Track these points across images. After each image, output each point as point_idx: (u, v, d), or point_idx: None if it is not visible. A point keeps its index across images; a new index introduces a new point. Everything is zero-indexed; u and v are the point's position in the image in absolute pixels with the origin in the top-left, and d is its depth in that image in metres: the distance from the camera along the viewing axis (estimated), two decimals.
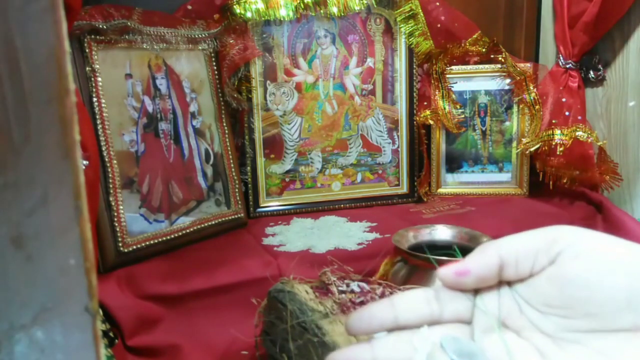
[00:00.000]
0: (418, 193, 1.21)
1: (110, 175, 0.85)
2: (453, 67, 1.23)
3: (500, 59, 1.22)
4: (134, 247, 0.86)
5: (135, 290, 0.79)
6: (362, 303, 0.57)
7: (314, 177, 1.17)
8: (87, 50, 0.85)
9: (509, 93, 1.23)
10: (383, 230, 1.00)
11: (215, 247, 0.95)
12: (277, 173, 1.15)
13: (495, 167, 1.25)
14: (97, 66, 0.86)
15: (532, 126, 1.20)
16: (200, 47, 1.02)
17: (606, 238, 0.34)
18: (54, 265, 0.23)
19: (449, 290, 0.38)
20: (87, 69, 0.85)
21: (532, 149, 1.16)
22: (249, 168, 1.12)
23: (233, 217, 1.03)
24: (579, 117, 1.17)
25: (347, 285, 0.61)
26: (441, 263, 0.67)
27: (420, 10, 1.17)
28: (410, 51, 1.18)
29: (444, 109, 1.21)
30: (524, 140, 1.19)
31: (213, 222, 0.99)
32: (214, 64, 1.05)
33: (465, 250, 0.73)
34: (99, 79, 0.86)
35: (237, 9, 1.04)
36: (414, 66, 1.19)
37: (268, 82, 1.12)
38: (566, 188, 1.17)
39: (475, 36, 1.23)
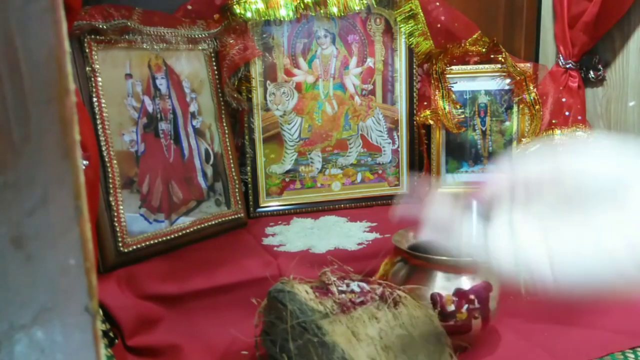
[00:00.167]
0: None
1: (110, 175, 0.85)
2: (453, 67, 1.23)
3: (500, 59, 1.22)
4: (134, 247, 0.86)
5: (135, 290, 0.79)
6: (362, 303, 0.57)
7: (314, 177, 1.17)
8: (87, 50, 0.85)
9: (509, 93, 1.23)
10: (383, 230, 1.00)
11: (215, 247, 0.95)
12: (277, 173, 1.15)
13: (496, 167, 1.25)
14: (97, 66, 0.86)
15: (532, 126, 1.20)
16: (200, 47, 1.02)
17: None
18: (54, 265, 0.23)
19: None
20: (87, 69, 0.85)
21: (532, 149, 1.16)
22: (249, 168, 1.12)
23: (233, 217, 1.03)
24: (579, 117, 1.17)
25: (347, 285, 0.61)
26: (441, 263, 0.67)
27: (420, 10, 1.17)
28: (410, 51, 1.18)
29: (444, 109, 1.21)
30: (524, 140, 1.19)
31: (213, 222, 0.99)
32: (214, 64, 1.05)
33: None
34: (99, 79, 0.86)
35: (237, 9, 1.04)
36: (414, 66, 1.19)
37: (268, 82, 1.12)
38: None
39: (475, 36, 1.23)
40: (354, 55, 1.17)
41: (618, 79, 1.20)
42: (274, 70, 1.12)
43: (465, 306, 0.66)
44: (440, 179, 1.26)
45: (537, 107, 1.20)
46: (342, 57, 1.16)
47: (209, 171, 1.02)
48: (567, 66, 1.21)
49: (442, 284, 0.67)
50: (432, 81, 1.22)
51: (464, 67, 1.24)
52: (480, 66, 1.24)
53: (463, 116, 1.23)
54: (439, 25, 1.21)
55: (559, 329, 0.78)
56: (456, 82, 1.23)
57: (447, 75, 1.22)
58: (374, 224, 1.04)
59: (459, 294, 0.66)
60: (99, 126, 0.85)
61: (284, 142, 1.14)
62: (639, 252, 0.39)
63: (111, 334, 0.73)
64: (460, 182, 1.26)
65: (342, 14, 1.12)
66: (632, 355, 0.71)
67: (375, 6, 1.15)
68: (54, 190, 0.23)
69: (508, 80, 1.23)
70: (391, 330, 0.54)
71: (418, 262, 0.69)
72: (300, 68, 1.14)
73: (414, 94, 1.20)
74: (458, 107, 1.22)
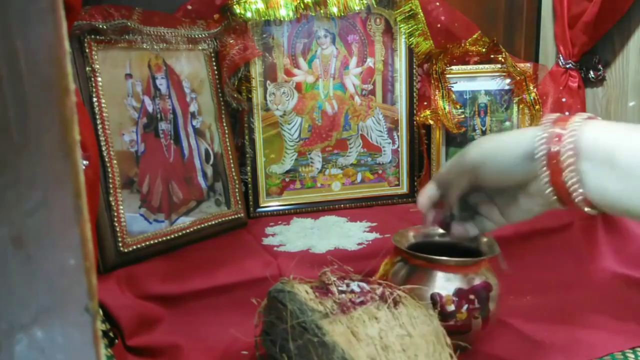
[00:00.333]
0: (418, 193, 1.21)
1: (110, 175, 0.85)
2: (453, 67, 1.23)
3: (500, 59, 1.22)
4: (134, 247, 0.86)
5: (135, 290, 0.79)
6: (362, 303, 0.57)
7: (314, 177, 1.17)
8: (87, 50, 0.85)
9: (509, 93, 1.23)
10: (383, 230, 1.00)
11: (215, 247, 0.95)
12: (277, 173, 1.15)
13: None
14: (97, 66, 0.86)
15: (532, 126, 1.20)
16: (200, 47, 1.02)
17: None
18: (54, 265, 0.23)
19: None
20: (87, 69, 0.85)
21: None
22: (249, 168, 1.12)
23: (233, 217, 1.03)
24: None
25: (347, 285, 0.61)
26: (441, 263, 0.67)
27: (420, 10, 1.17)
28: (410, 51, 1.18)
29: (444, 109, 1.21)
30: None
31: (213, 222, 0.99)
32: (214, 64, 1.05)
33: (465, 250, 0.72)
34: (99, 79, 0.86)
35: (237, 9, 1.04)
36: (414, 66, 1.19)
37: (268, 82, 1.12)
38: None
39: (475, 36, 1.23)
40: (354, 55, 1.17)
41: (618, 79, 1.20)
42: (274, 70, 1.12)
43: (465, 306, 0.66)
44: None
45: (537, 107, 1.20)
46: (342, 57, 1.16)
47: (209, 171, 1.02)
48: (567, 66, 1.21)
49: (442, 284, 0.67)
50: (432, 81, 1.22)
51: (464, 67, 1.24)
52: (480, 66, 1.24)
53: (463, 116, 1.23)
54: (439, 25, 1.21)
55: (559, 329, 0.78)
56: (456, 82, 1.23)
57: (447, 75, 1.22)
58: (374, 224, 1.04)
59: (459, 294, 0.66)
60: (99, 126, 0.85)
61: (284, 142, 1.14)
62: None
63: (111, 334, 0.73)
64: None
65: (342, 14, 1.12)
66: (632, 355, 0.71)
67: (375, 6, 1.15)
68: (54, 190, 0.23)
69: (508, 80, 1.23)
70: (391, 330, 0.54)
71: (418, 262, 0.69)
72: (300, 68, 1.14)
73: (414, 94, 1.20)
74: (458, 107, 1.22)
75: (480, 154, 0.62)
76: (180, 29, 0.98)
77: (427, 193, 0.70)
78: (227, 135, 1.05)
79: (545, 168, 0.56)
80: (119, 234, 0.85)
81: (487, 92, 1.24)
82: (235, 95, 1.06)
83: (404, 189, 1.22)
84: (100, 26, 0.86)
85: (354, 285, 0.61)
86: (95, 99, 0.85)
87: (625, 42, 1.17)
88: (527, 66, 1.22)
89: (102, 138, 0.85)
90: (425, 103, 1.23)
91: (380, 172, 1.21)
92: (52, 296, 0.23)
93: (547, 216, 1.07)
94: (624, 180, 0.52)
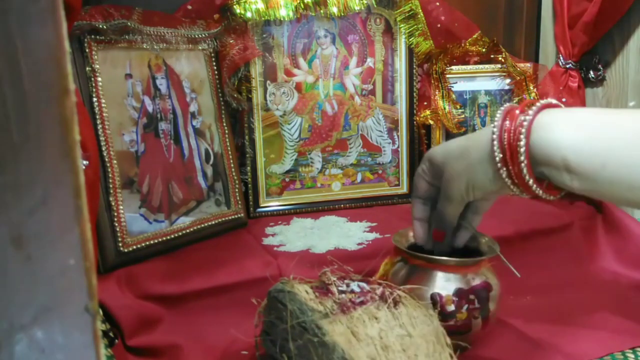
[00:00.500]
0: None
1: (110, 175, 0.85)
2: (453, 67, 1.23)
3: (500, 59, 1.22)
4: (134, 247, 0.86)
5: (135, 290, 0.79)
6: (362, 303, 0.57)
7: (314, 177, 1.17)
8: (87, 50, 0.85)
9: (509, 93, 1.23)
10: (383, 230, 1.00)
11: (215, 247, 0.95)
12: (277, 173, 1.15)
13: None
14: (97, 66, 0.86)
15: None
16: (200, 47, 1.02)
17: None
18: (54, 265, 0.23)
19: None
20: (87, 69, 0.85)
21: None
22: (249, 168, 1.12)
23: (233, 217, 1.03)
24: None
25: (347, 285, 0.61)
26: (441, 263, 0.67)
27: (420, 10, 1.17)
28: (410, 51, 1.18)
29: (444, 109, 1.21)
30: None
31: (213, 222, 0.99)
32: (214, 64, 1.05)
33: (465, 250, 0.73)
34: (99, 79, 0.86)
35: (237, 9, 1.04)
36: (414, 66, 1.19)
37: (268, 82, 1.12)
38: None
39: (475, 36, 1.23)
40: (354, 55, 1.17)
41: (618, 79, 1.20)
42: (274, 70, 1.12)
43: (465, 306, 0.67)
44: None
45: None
46: (342, 57, 1.16)
47: (209, 171, 1.02)
48: (567, 66, 1.21)
49: (442, 284, 0.67)
50: (432, 81, 1.22)
51: (464, 67, 1.24)
52: (480, 66, 1.24)
53: (463, 116, 1.23)
54: (439, 25, 1.21)
55: (559, 329, 0.78)
56: (456, 82, 1.23)
57: (447, 75, 1.22)
58: (374, 224, 1.04)
59: (459, 294, 0.66)
60: (99, 126, 0.85)
61: (284, 142, 1.14)
62: None
63: (111, 334, 0.73)
64: None
65: (342, 14, 1.12)
66: (632, 355, 0.71)
67: (375, 6, 1.15)
68: (54, 190, 0.23)
69: (508, 80, 1.23)
70: (391, 330, 0.54)
71: (418, 262, 0.69)
72: (300, 68, 1.14)
73: (414, 94, 1.20)
74: (458, 107, 1.22)
75: (444, 152, 0.69)
76: (180, 29, 0.98)
77: (418, 219, 0.74)
78: (227, 135, 1.05)
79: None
80: (119, 234, 0.85)
81: (487, 92, 1.24)
82: (235, 95, 1.06)
83: (404, 189, 1.22)
84: (100, 26, 0.86)
85: (354, 285, 0.61)
86: (95, 99, 0.85)
87: (625, 42, 1.17)
88: (527, 66, 1.22)
89: (102, 138, 0.85)
90: (425, 103, 1.22)
91: (380, 172, 1.21)
92: (52, 296, 0.23)
93: (547, 216, 1.08)
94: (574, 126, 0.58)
